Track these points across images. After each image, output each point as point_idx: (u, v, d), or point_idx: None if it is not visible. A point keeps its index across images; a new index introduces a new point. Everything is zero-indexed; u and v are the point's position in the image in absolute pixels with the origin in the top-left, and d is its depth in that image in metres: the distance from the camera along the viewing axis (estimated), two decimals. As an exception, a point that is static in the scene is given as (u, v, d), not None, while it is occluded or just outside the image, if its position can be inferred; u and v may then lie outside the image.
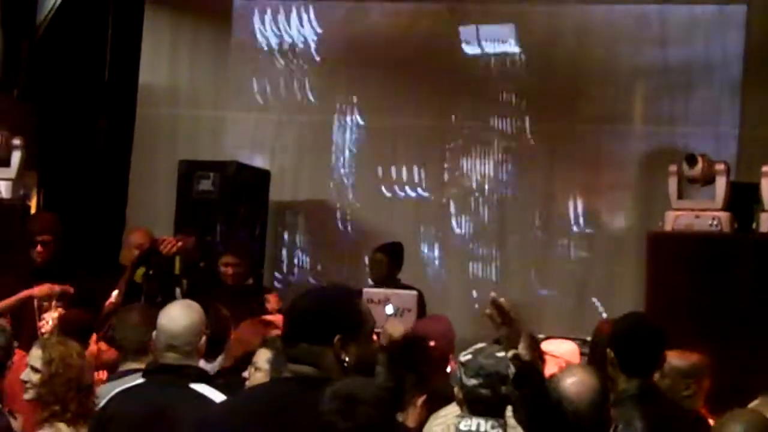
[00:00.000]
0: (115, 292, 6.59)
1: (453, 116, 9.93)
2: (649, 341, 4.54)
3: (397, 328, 6.17)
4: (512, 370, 3.24)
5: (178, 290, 6.52)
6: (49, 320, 6.33)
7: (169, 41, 10.34)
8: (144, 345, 4.82)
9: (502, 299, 3.06)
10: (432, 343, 5.62)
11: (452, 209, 9.86)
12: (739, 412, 3.74)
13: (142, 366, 4.74)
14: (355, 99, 10.08)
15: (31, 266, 7.48)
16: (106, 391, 4.66)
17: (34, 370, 4.60)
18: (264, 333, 5.24)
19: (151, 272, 6.53)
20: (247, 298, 7.14)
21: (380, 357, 4.33)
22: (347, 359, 2.94)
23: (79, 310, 6.40)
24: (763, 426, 3.38)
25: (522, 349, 3.09)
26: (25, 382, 4.62)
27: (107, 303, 6.61)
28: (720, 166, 7.34)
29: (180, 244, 6.55)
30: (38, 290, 6.75)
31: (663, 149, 9.05)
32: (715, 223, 7.23)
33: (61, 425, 4.52)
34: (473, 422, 3.93)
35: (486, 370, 3.92)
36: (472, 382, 3.93)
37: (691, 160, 7.35)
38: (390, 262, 8.58)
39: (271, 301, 7.39)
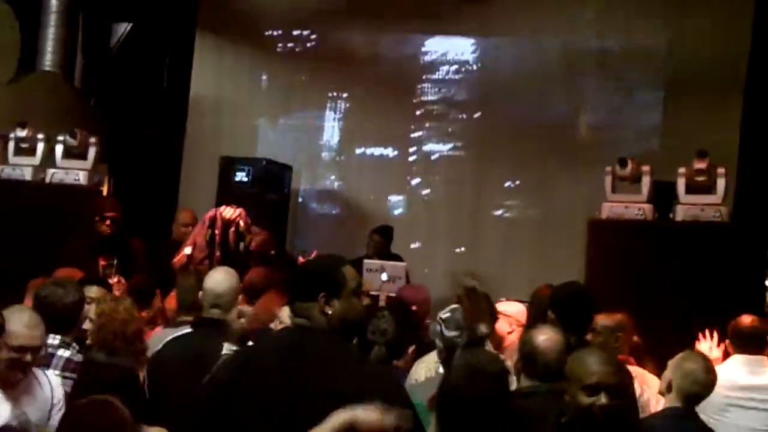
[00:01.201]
0: (187, 249, 6.65)
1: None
2: (583, 305, 4.56)
3: None
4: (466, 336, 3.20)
5: (242, 244, 6.80)
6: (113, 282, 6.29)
7: (214, 63, 10.32)
8: (196, 302, 4.85)
9: (476, 285, 3.06)
10: (414, 308, 5.66)
11: (431, 202, 9.84)
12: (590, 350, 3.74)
13: (191, 318, 4.81)
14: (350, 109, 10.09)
15: (99, 237, 7.51)
16: (160, 339, 4.68)
17: (90, 320, 4.60)
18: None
19: (216, 233, 6.72)
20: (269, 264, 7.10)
21: (388, 317, 4.37)
22: (330, 312, 3.01)
23: (144, 276, 6.38)
24: (608, 359, 3.36)
25: (484, 327, 3.07)
26: (86, 330, 4.63)
27: (180, 257, 6.69)
28: (645, 168, 7.36)
29: (239, 211, 6.73)
30: None
31: (602, 153, 9.02)
32: (640, 212, 7.26)
33: None
34: (450, 366, 3.94)
35: (461, 323, 3.93)
36: (452, 333, 3.93)
37: (623, 162, 7.38)
38: (384, 242, 8.61)
39: (256, 239, 7.32)
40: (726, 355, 5.30)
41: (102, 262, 6.91)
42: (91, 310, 4.61)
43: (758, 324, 5.34)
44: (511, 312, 5.62)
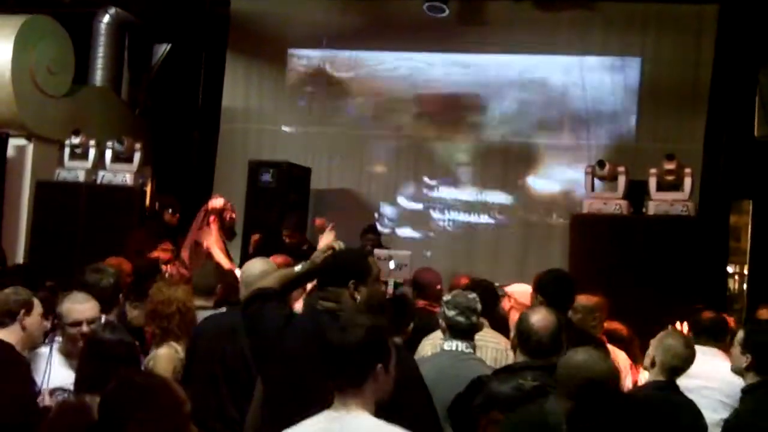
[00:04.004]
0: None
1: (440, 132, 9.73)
2: (565, 288, 4.43)
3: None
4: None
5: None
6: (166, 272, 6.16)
7: (243, 77, 10.21)
8: (212, 288, 4.68)
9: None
10: (438, 287, 5.54)
11: (431, 200, 9.64)
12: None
13: (209, 303, 4.60)
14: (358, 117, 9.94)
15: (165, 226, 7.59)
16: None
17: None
18: None
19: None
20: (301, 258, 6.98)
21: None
22: (358, 297, 3.03)
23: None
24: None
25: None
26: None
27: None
28: (621, 168, 7.33)
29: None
30: None
31: (583, 156, 8.91)
32: (617, 207, 7.21)
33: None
34: (453, 343, 3.86)
35: (462, 304, 3.87)
36: (452, 312, 3.86)
37: (601, 164, 7.36)
38: (376, 239, 8.41)
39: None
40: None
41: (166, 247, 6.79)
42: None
43: (717, 318, 4.97)
44: (512, 291, 5.52)
